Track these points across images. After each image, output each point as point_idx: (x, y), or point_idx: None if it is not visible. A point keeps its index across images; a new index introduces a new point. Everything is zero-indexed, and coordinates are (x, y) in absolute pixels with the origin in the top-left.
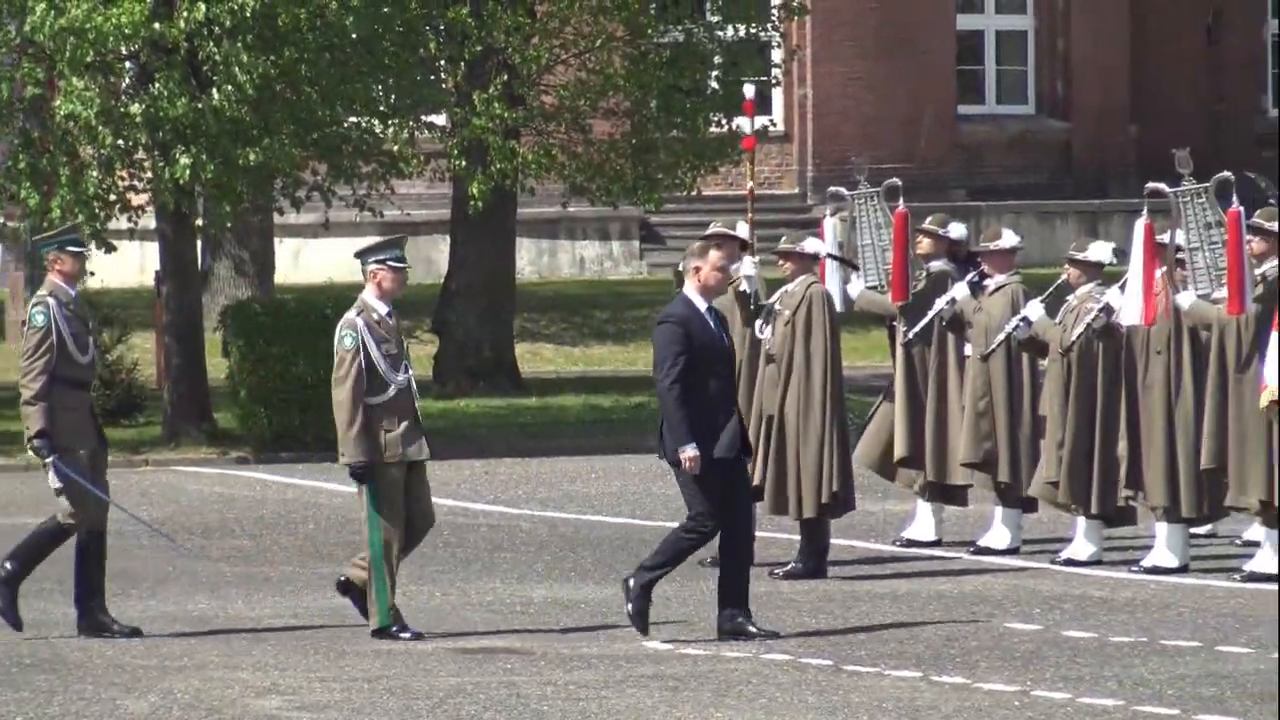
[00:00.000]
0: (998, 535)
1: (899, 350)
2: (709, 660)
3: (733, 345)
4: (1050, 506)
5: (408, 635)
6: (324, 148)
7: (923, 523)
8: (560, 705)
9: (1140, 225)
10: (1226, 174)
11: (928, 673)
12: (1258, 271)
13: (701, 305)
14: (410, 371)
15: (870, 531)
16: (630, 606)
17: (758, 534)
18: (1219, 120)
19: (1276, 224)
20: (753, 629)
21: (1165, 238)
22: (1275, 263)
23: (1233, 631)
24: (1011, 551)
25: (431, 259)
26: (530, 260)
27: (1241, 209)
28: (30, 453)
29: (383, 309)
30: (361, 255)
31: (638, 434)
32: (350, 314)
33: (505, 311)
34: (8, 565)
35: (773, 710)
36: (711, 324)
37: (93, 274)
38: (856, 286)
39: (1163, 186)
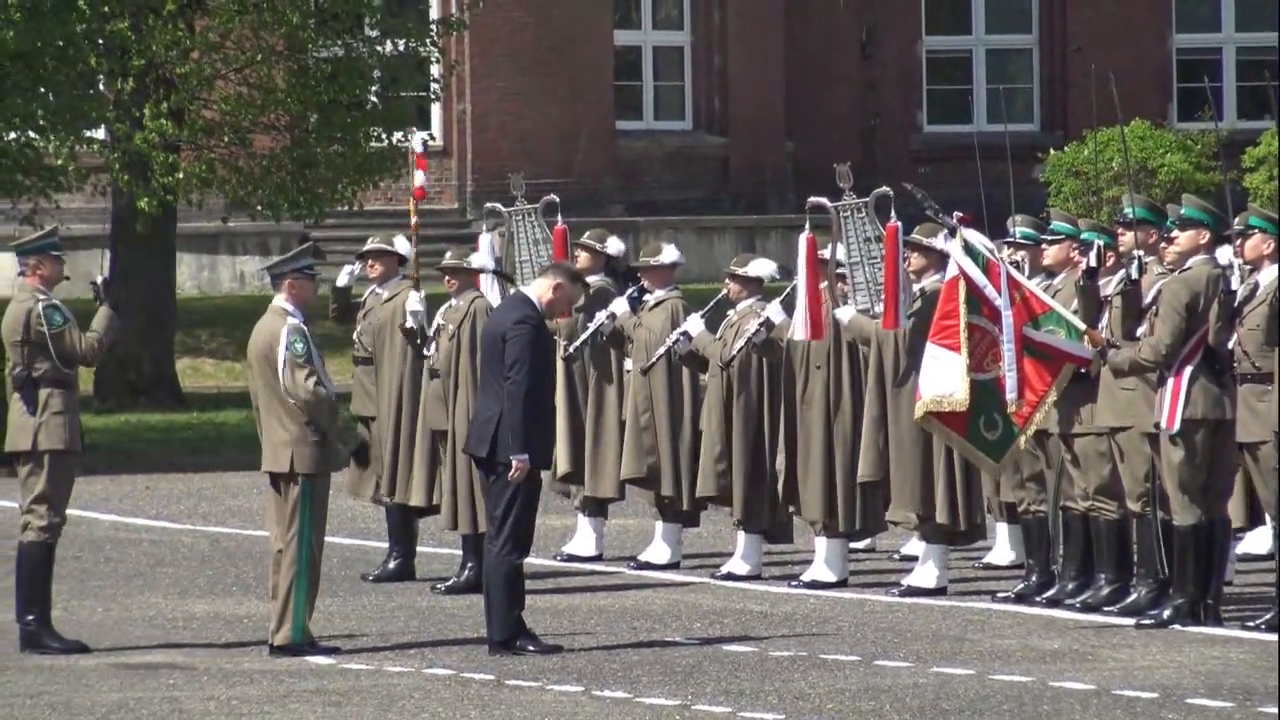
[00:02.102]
0: (658, 550)
1: (559, 365)
2: (371, 675)
3: None
4: (711, 522)
5: (320, 653)
6: None
7: (584, 538)
8: None
9: (803, 240)
10: (885, 189)
11: (589, 687)
12: (916, 287)
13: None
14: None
15: (532, 546)
16: (533, 647)
17: (424, 550)
18: (875, 136)
19: (934, 240)
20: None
21: (826, 252)
22: (935, 278)
23: (891, 646)
24: (672, 566)
25: (91, 273)
26: (191, 275)
27: (899, 224)
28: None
29: (300, 318)
30: (274, 268)
31: None
32: (293, 320)
33: (166, 326)
34: (29, 618)
35: None
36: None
37: None
38: None
39: (825, 201)
